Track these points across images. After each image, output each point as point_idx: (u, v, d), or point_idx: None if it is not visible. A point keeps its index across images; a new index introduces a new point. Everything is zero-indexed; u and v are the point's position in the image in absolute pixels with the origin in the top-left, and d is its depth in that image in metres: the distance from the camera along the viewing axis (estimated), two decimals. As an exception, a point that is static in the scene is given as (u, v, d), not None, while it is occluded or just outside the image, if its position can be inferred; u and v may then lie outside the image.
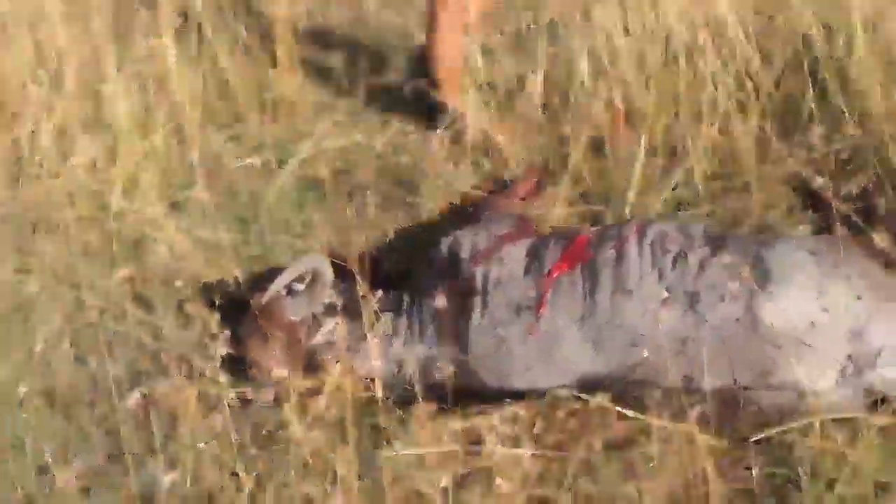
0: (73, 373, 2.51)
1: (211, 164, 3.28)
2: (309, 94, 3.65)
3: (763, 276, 2.20)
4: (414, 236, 2.91)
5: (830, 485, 1.98)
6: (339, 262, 2.62)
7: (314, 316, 2.40)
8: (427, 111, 3.41)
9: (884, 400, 2.16)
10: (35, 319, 2.65)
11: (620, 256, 2.28)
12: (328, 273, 2.47)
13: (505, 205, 2.82)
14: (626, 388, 2.20)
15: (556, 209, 2.90)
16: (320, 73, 3.85)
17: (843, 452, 2.04)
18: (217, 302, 2.60)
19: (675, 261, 2.26)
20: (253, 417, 2.26)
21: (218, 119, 3.55)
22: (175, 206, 3.05)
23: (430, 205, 3.07)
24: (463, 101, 3.34)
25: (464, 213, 2.89)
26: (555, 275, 2.30)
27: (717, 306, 2.18)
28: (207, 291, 2.69)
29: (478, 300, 2.32)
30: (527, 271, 2.35)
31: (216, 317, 2.42)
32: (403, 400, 2.26)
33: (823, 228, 2.71)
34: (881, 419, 2.11)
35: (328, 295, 2.45)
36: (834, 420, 2.11)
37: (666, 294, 2.21)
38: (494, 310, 2.30)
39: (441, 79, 3.35)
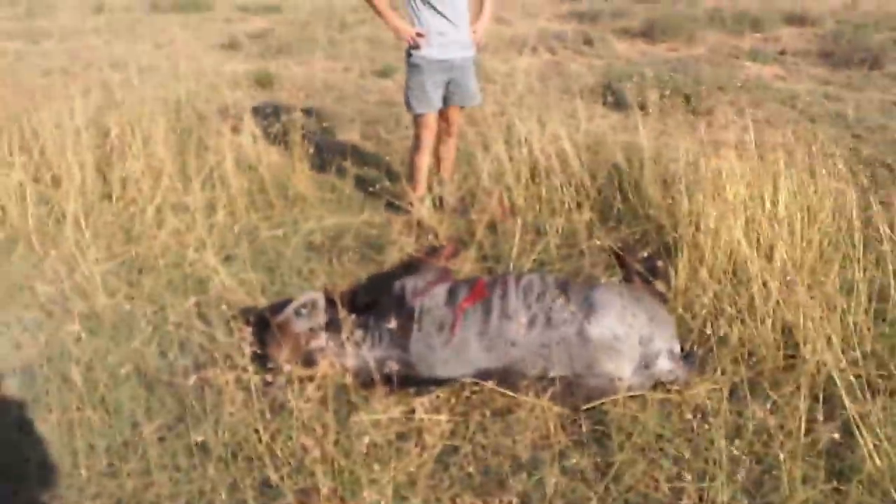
0: (157, 362, 2.38)
1: (251, 234, 3.19)
2: (315, 191, 3.60)
3: (590, 308, 2.18)
4: (378, 281, 2.84)
5: (629, 436, 1.97)
6: (329, 296, 2.56)
7: (311, 329, 2.31)
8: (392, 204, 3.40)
9: (661, 383, 2.16)
10: (135, 328, 2.52)
11: (504, 295, 2.25)
12: (321, 303, 2.39)
13: (435, 262, 2.78)
14: (507, 377, 2.15)
15: (466, 265, 2.88)
16: (322, 178, 3.81)
17: (637, 416, 2.03)
18: (251, 319, 2.52)
19: (537, 297, 2.23)
20: (270, 394, 2.16)
21: (257, 206, 3.47)
22: (227, 259, 2.96)
23: (390, 261, 3.02)
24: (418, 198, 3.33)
25: (409, 267, 2.84)
26: (464, 306, 2.26)
27: (561, 326, 2.15)
28: (245, 313, 2.59)
29: (415, 321, 2.26)
30: (447, 303, 2.29)
31: (249, 329, 2.34)
32: (367, 384, 2.19)
33: (626, 279, 2.73)
34: (658, 395, 2.11)
35: (321, 317, 2.36)
36: (631, 396, 2.10)
37: (531, 318, 2.18)
38: (426, 327, 2.24)
39: (414, 181, 3.33)
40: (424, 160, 3.32)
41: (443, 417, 2.03)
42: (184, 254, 2.96)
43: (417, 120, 3.19)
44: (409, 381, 2.19)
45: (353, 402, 2.12)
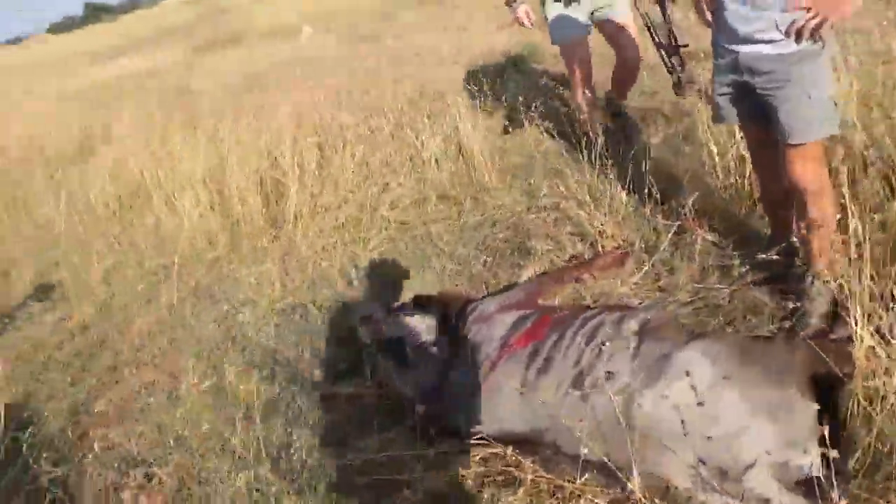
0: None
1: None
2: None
3: (657, 371, 1.58)
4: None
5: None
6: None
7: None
8: None
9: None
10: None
11: (560, 338, 1.79)
12: (380, 316, 2.21)
13: (546, 281, 2.33)
14: (533, 446, 1.71)
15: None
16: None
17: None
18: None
19: (593, 351, 1.71)
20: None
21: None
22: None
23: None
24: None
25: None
26: (514, 345, 1.87)
27: (610, 392, 1.60)
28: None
29: (461, 353, 1.96)
30: (502, 337, 1.92)
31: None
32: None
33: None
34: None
35: (381, 331, 2.19)
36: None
37: (575, 375, 1.69)
38: (465, 360, 1.92)
39: None
40: None
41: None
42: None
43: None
44: (432, 422, 1.91)
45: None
